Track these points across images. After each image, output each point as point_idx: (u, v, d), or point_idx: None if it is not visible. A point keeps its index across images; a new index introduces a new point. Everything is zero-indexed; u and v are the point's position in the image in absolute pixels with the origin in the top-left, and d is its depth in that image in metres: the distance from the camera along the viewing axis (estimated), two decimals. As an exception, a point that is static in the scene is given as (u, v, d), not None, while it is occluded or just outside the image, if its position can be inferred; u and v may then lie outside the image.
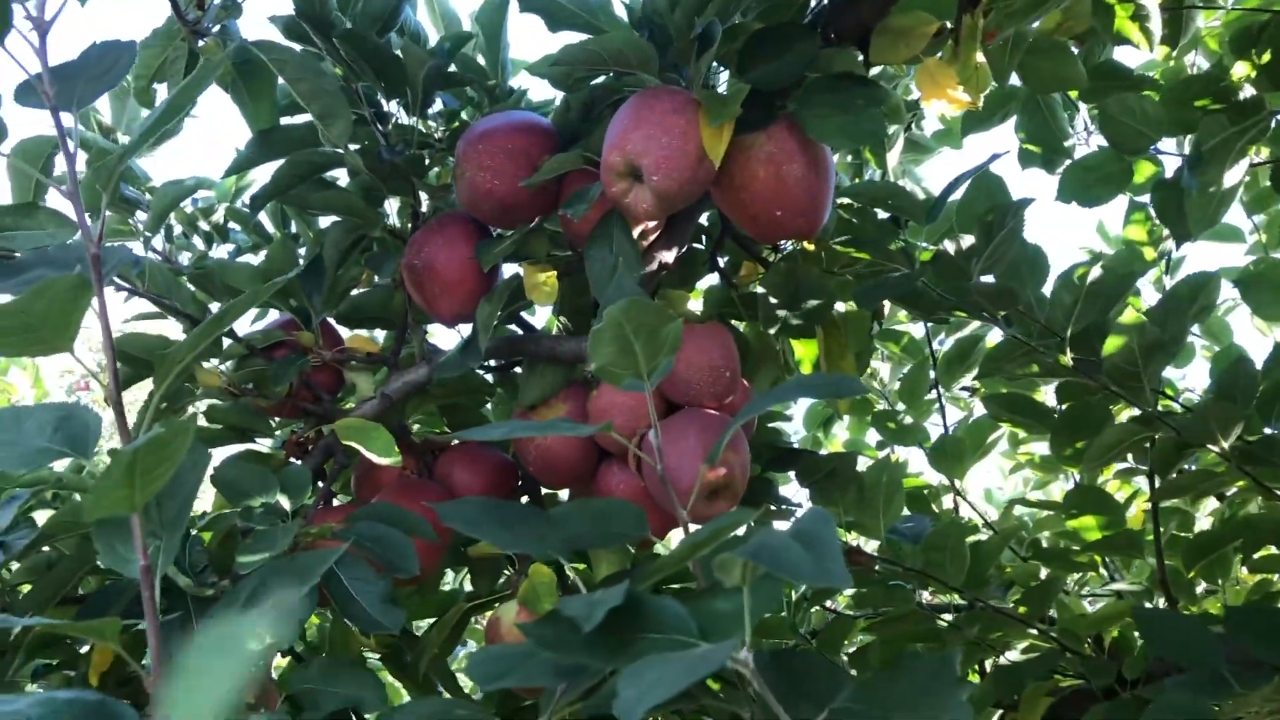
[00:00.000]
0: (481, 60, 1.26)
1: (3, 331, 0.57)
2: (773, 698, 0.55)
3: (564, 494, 1.39)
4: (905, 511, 1.31)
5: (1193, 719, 0.93)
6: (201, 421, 1.20)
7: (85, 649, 1.06)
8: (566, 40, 1.01)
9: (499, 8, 1.26)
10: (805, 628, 1.49)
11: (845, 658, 1.46)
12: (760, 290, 1.13)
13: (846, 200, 1.24)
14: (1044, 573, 1.42)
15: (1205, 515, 1.79)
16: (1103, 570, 1.42)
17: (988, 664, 1.38)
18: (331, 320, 1.24)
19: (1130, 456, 1.25)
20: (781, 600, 1.31)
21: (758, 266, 1.31)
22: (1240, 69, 1.17)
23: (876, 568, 1.22)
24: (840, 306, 1.13)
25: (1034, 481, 2.14)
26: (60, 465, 1.09)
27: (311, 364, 1.12)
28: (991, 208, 0.98)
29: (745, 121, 0.96)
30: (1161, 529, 1.28)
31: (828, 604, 1.49)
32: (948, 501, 1.61)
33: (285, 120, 1.19)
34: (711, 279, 1.32)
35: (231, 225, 1.45)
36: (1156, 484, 1.24)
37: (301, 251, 1.22)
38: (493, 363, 1.25)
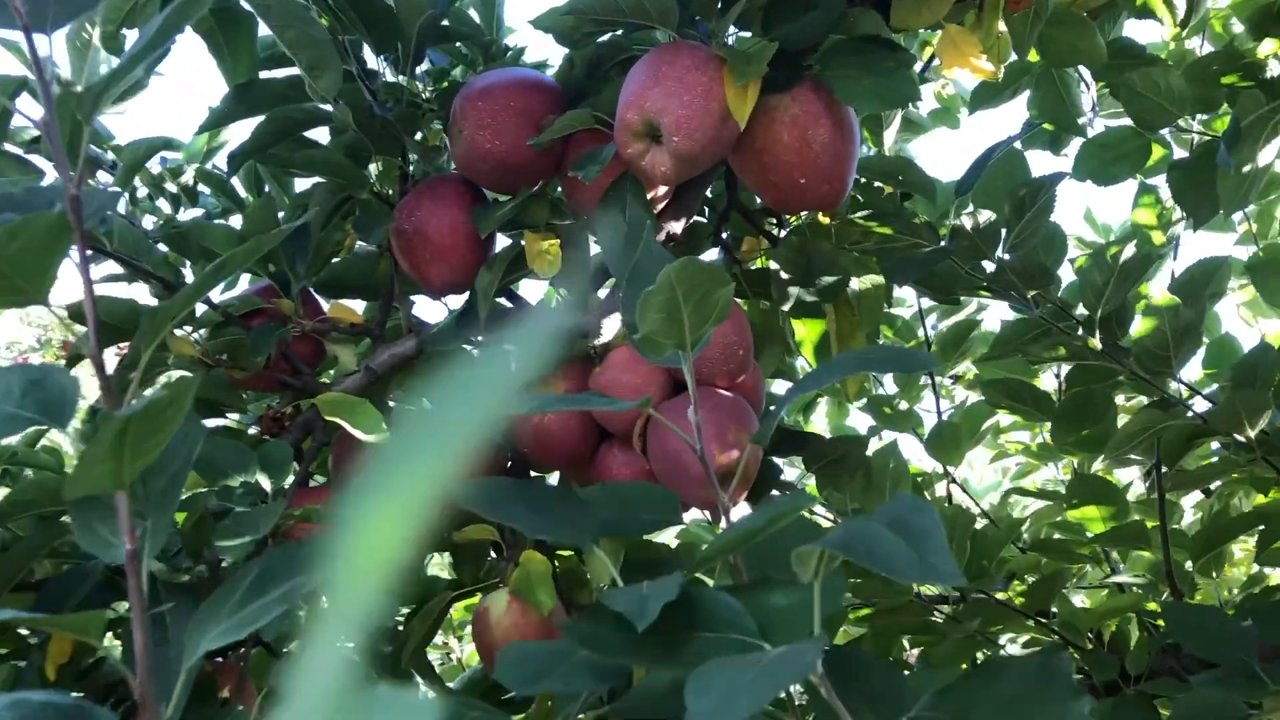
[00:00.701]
0: (476, 16, 1.19)
1: (-32, 280, 0.49)
2: (842, 706, 0.50)
3: (552, 477, 1.33)
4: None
5: (1225, 717, 0.90)
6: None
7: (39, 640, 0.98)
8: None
9: (496, -41, 1.19)
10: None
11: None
12: (772, 266, 1.07)
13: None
14: (1043, 564, 1.39)
15: (1191, 508, 1.77)
16: (1102, 563, 1.38)
17: (983, 657, 1.34)
18: (310, 288, 1.16)
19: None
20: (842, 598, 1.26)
21: (760, 241, 1.25)
22: (1267, 46, 1.13)
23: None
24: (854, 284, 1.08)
25: (1014, 471, 2.11)
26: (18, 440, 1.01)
27: (292, 334, 1.05)
28: (1024, 182, 0.93)
29: (769, 82, 0.90)
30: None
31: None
32: (939, 490, 1.57)
33: (264, 75, 1.10)
34: (711, 254, 1.26)
35: (201, 188, 1.36)
36: (1164, 473, 1.21)
37: (281, 215, 1.14)
38: (479, 336, 1.18)
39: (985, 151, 0.90)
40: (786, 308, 1.04)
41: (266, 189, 1.33)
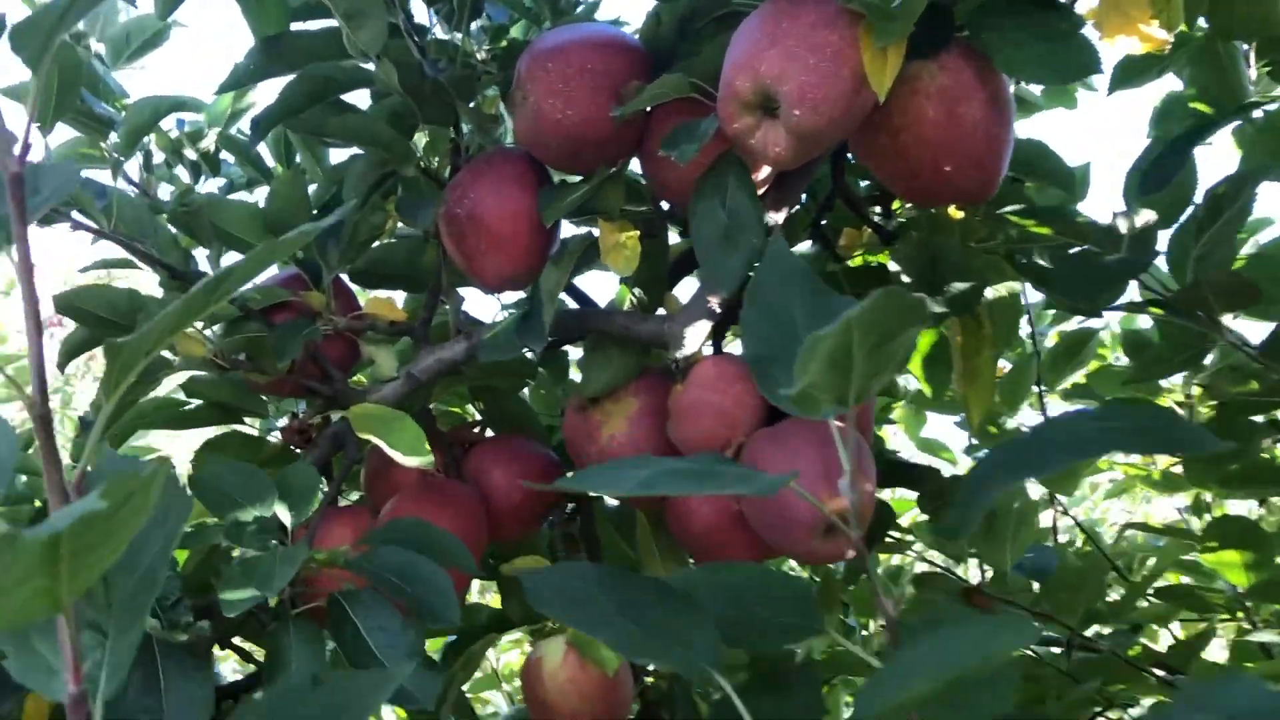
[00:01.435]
0: (542, -37, 1.02)
1: None
2: None
3: (610, 499, 1.17)
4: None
5: None
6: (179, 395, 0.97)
7: None
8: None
9: (567, -102, 1.01)
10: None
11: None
12: (891, 266, 0.89)
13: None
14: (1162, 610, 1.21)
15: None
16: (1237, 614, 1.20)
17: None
18: (344, 278, 1.00)
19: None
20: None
21: (863, 233, 1.08)
22: None
23: (999, 611, 1.00)
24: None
25: (1106, 488, 1.93)
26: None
27: (322, 332, 0.89)
28: (1224, 179, 0.75)
29: (911, 46, 0.73)
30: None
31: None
32: (1043, 519, 1.39)
33: (296, 26, 0.94)
34: (805, 245, 1.09)
35: (224, 156, 1.21)
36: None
37: (311, 189, 0.98)
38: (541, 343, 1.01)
39: (1182, 139, 0.73)
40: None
41: (298, 159, 1.17)
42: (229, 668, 1.48)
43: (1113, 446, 0.40)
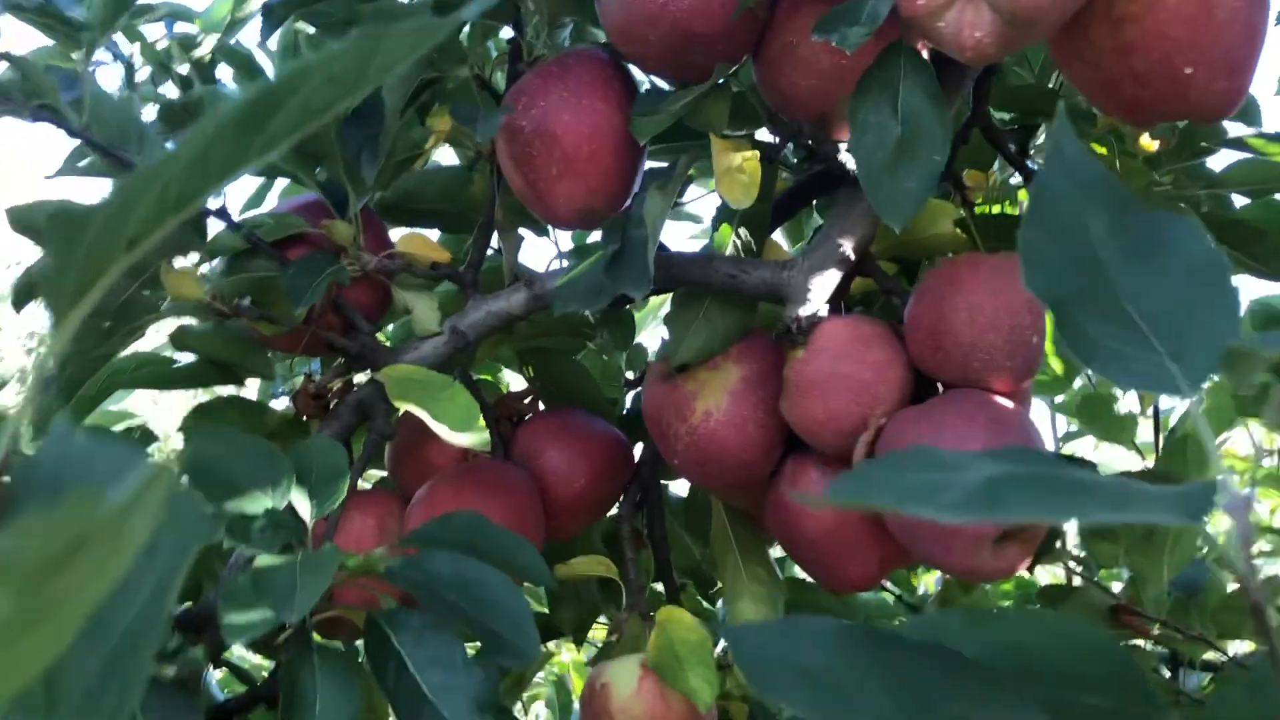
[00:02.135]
0: None
1: None
2: None
3: (680, 485, 0.99)
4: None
5: None
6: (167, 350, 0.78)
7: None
8: None
9: None
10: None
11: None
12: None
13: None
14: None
15: None
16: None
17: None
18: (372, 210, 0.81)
19: None
20: None
21: (992, 175, 0.91)
22: None
23: (1154, 632, 0.84)
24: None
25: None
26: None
27: (349, 274, 0.70)
28: None
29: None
30: None
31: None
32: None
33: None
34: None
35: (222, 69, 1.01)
36: None
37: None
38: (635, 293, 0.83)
39: None
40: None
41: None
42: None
43: None
